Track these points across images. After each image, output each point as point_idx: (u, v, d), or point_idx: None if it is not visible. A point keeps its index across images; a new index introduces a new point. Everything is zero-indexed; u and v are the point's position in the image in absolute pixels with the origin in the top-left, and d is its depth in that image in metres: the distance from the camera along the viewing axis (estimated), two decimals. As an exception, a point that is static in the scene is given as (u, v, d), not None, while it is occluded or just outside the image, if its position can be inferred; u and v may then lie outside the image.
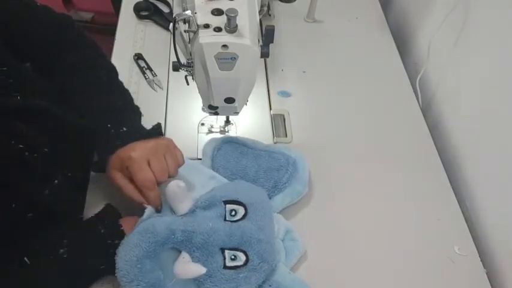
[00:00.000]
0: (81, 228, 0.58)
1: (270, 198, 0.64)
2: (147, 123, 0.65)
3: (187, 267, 0.54)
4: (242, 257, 0.55)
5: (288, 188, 0.65)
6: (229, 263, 0.54)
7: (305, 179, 0.67)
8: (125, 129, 0.61)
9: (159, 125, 0.65)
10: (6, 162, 0.50)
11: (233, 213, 0.58)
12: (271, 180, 0.66)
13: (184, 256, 0.54)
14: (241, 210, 0.59)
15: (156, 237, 0.53)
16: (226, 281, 0.53)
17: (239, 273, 0.54)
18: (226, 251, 0.55)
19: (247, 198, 0.60)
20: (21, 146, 0.52)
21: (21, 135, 0.52)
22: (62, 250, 0.52)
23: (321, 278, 0.61)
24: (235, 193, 0.60)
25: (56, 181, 0.56)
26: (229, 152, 0.69)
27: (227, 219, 0.58)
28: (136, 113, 0.66)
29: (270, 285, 0.57)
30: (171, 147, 0.61)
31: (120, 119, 0.62)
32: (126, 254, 0.52)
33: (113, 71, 0.70)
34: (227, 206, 0.59)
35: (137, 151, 0.57)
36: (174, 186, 0.58)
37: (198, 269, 0.53)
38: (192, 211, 0.59)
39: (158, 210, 0.59)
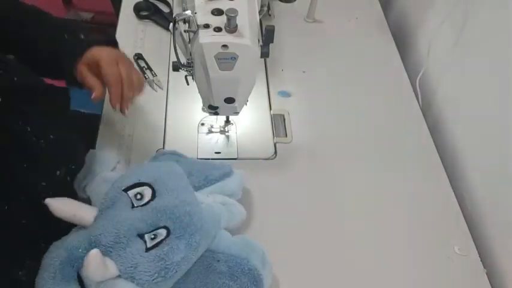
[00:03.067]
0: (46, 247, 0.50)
1: (198, 190, 0.60)
2: (148, 123, 0.65)
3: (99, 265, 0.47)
4: (163, 232, 0.51)
5: (219, 182, 0.62)
6: (150, 244, 0.50)
7: (239, 182, 0.64)
8: (82, 36, 0.62)
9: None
10: (11, 144, 0.47)
11: (138, 196, 0.53)
12: (203, 175, 0.61)
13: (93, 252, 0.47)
14: (147, 191, 0.54)
15: (61, 258, 0.49)
16: (152, 262, 0.48)
17: (163, 248, 0.49)
18: (146, 235, 0.50)
19: (149, 176, 0.55)
20: (28, 128, 0.49)
21: (28, 116, 0.50)
22: (20, 272, 0.47)
23: (319, 278, 0.61)
24: (134, 176, 0.55)
25: (58, 172, 0.53)
26: (162, 159, 0.65)
27: (135, 205, 0.53)
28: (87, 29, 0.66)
29: (211, 251, 0.54)
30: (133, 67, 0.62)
31: (75, 30, 0.63)
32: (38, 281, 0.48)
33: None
34: (129, 192, 0.54)
35: (107, 51, 0.58)
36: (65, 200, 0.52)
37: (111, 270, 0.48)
38: (99, 216, 0.53)
39: None
